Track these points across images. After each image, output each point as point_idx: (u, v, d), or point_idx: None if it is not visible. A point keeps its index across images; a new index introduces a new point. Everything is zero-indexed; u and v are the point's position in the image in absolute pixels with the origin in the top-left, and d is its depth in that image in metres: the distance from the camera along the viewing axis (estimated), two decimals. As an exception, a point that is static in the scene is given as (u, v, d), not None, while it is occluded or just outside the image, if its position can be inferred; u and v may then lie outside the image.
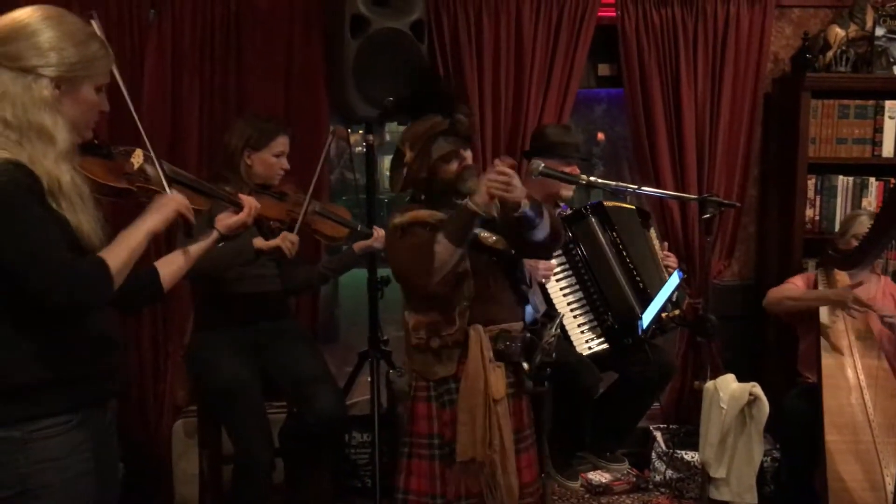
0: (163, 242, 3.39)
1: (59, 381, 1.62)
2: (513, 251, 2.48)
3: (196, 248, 1.98)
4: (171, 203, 1.83)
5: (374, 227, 3.18)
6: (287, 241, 2.82)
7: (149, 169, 2.02)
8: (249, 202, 2.13)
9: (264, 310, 2.98)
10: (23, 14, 1.63)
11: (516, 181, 2.22)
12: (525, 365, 2.41)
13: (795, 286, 3.34)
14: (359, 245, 3.17)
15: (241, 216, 2.10)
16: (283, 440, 3.06)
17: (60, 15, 1.66)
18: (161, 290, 1.85)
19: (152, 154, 1.98)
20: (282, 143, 2.99)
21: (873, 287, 3.30)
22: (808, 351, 3.27)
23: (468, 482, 2.40)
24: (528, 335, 2.45)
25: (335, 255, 3.42)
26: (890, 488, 2.73)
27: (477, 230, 2.37)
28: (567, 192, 3.23)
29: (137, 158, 2.03)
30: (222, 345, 2.90)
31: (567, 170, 3.13)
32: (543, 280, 2.97)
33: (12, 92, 1.58)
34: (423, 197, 2.47)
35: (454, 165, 2.42)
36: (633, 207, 3.31)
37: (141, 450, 3.52)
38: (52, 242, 1.54)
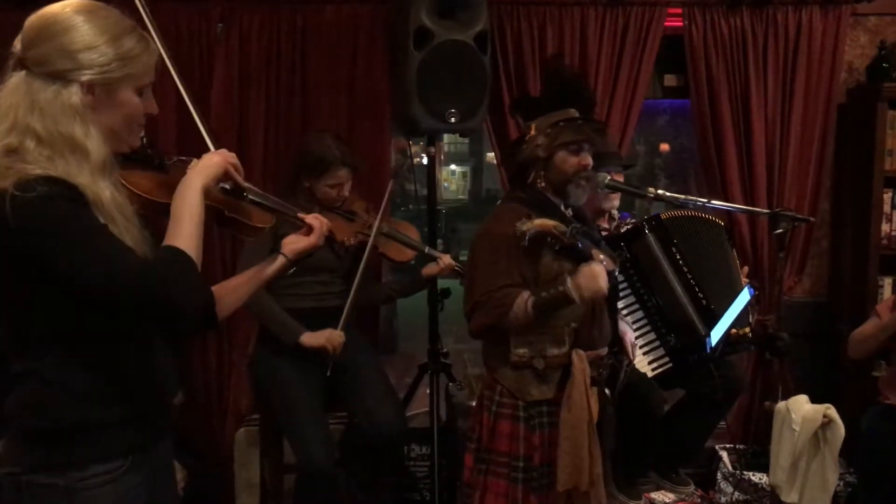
0: (228, 257, 3.46)
1: (110, 421, 1.46)
2: (617, 273, 2.41)
3: (265, 276, 1.78)
4: (215, 157, 1.59)
5: (442, 255, 3.16)
6: (333, 340, 2.87)
7: None
8: (319, 223, 1.88)
9: (327, 324, 2.98)
10: (53, 10, 1.45)
11: (603, 281, 2.18)
12: (608, 392, 2.38)
13: (877, 319, 3.18)
14: (427, 270, 3.17)
15: (311, 239, 1.84)
16: (343, 451, 3.07)
17: (94, 8, 1.47)
18: (214, 320, 1.56)
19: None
20: (339, 175, 2.95)
21: None
22: (893, 371, 3.13)
23: None
24: (612, 361, 2.41)
25: (401, 274, 3.42)
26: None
27: (590, 249, 2.31)
28: (609, 203, 3.14)
29: None
30: (285, 355, 2.92)
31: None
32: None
33: (42, 101, 1.41)
34: (523, 195, 2.40)
35: (574, 159, 2.35)
36: (709, 217, 3.21)
37: (203, 457, 3.56)
38: (119, 245, 1.38)
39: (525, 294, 2.25)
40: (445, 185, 13.07)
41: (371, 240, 2.89)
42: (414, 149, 5.11)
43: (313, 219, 1.86)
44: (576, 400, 2.28)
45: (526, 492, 2.34)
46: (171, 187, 1.61)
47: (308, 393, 2.88)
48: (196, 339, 3.51)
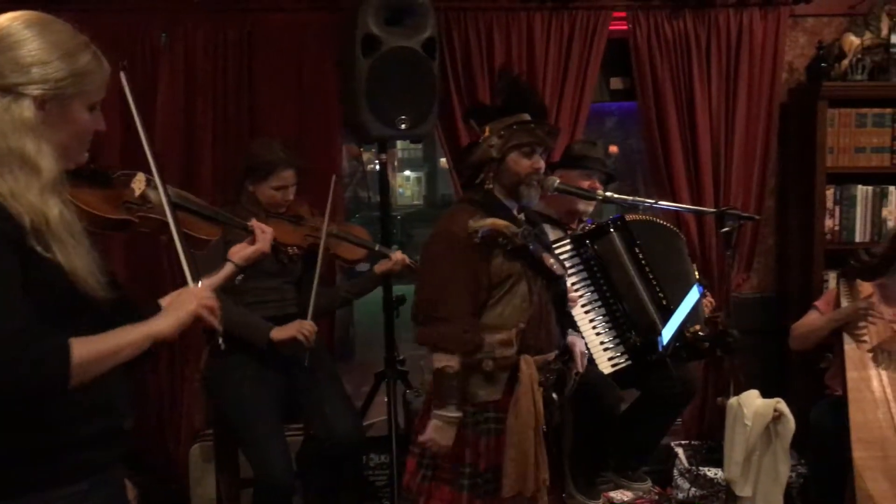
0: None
1: (68, 444, 1.42)
2: (572, 273, 2.45)
3: (209, 284, 1.76)
4: (190, 303, 1.52)
5: (394, 251, 3.15)
6: (304, 329, 2.82)
7: (152, 195, 1.77)
8: (264, 230, 1.95)
9: None
10: (2, 23, 1.41)
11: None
12: (555, 396, 2.40)
13: (818, 312, 3.27)
14: (380, 267, 3.15)
15: (258, 246, 1.91)
16: (300, 463, 3.03)
17: (46, 22, 1.43)
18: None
19: (156, 178, 1.70)
20: (284, 177, 2.92)
21: None
22: (838, 364, 3.21)
23: None
24: (561, 366, 2.43)
25: (354, 277, 3.40)
26: (921, 505, 2.67)
27: (540, 252, 2.35)
28: (585, 207, 3.20)
29: (139, 184, 1.78)
30: (239, 368, 2.88)
31: (586, 184, 3.11)
32: (570, 310, 2.95)
33: None
34: (475, 197, 2.42)
35: (526, 162, 2.37)
36: (656, 219, 3.27)
37: (158, 474, 3.50)
38: (6, 305, 1.29)
39: (452, 361, 2.29)
40: (401, 190, 13.06)
41: (322, 241, 2.87)
42: (367, 155, 5.12)
43: (260, 225, 1.91)
44: (523, 406, 2.30)
45: (471, 498, 2.34)
46: (116, 201, 1.61)
47: (263, 405, 2.85)
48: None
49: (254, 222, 1.95)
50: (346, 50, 3.29)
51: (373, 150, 3.89)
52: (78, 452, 1.44)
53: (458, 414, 2.30)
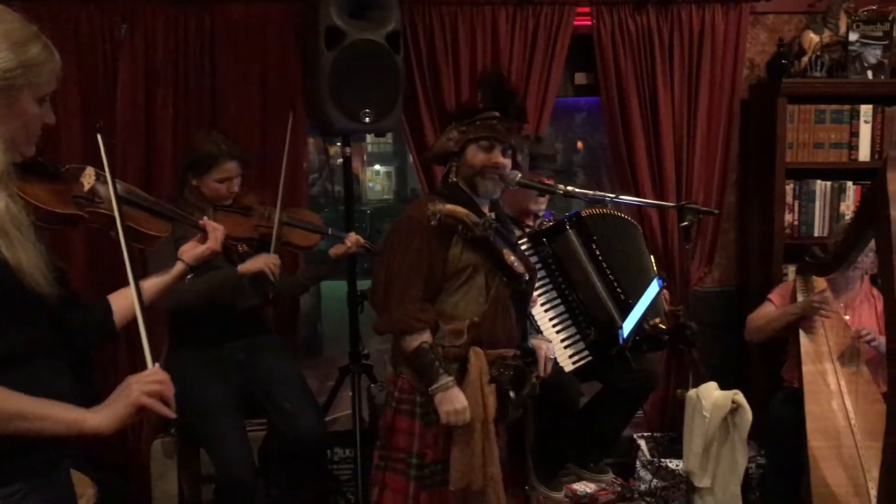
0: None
1: (5, 447, 1.38)
2: (528, 277, 2.46)
3: (156, 283, 1.76)
4: (129, 394, 1.41)
5: (348, 234, 3.15)
6: (270, 262, 2.79)
7: (101, 190, 1.73)
8: (214, 229, 1.91)
9: (240, 326, 2.94)
10: None
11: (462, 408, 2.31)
12: (512, 394, 2.40)
13: (772, 305, 3.33)
14: (335, 251, 3.14)
15: (209, 245, 1.88)
16: (263, 459, 3.02)
17: None
18: (113, 330, 1.53)
19: (106, 172, 1.68)
20: (227, 169, 2.88)
21: (857, 290, 3.29)
22: (794, 357, 3.26)
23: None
24: (521, 364, 2.44)
25: (312, 262, 3.38)
26: (873, 493, 2.72)
27: (502, 247, 2.37)
28: (536, 206, 3.21)
29: (88, 178, 1.73)
30: (199, 363, 2.86)
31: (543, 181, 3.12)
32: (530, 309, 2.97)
33: None
34: (443, 190, 2.45)
35: (483, 156, 2.39)
36: (614, 212, 3.29)
37: (119, 472, 3.46)
38: None
39: (425, 335, 2.31)
40: (370, 185, 12.98)
41: (275, 229, 2.85)
42: (335, 150, 5.09)
43: (210, 223, 1.88)
44: (470, 398, 2.31)
45: (417, 489, 2.37)
46: (65, 196, 1.57)
47: (224, 399, 2.83)
48: (105, 351, 3.40)
49: (206, 221, 1.92)
50: (310, 42, 3.27)
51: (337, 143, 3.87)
52: (10, 458, 1.40)
53: (450, 377, 2.30)
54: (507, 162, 2.45)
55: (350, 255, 3.20)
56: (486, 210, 2.45)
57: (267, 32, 3.51)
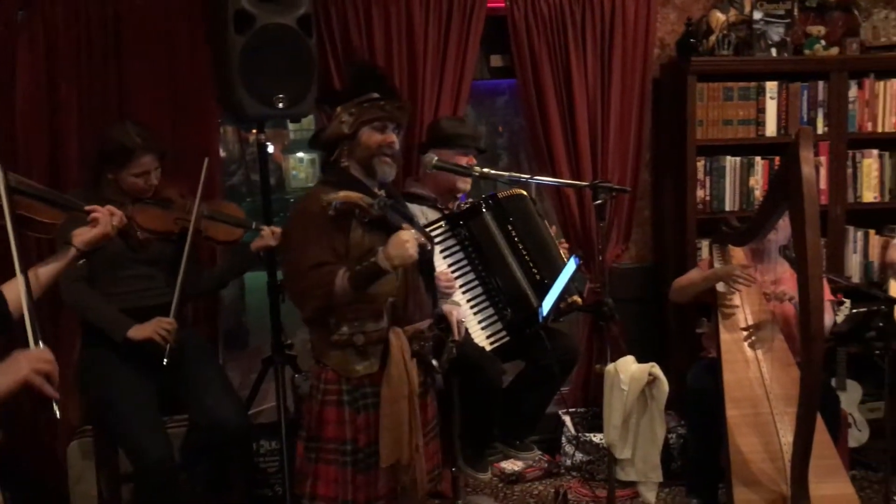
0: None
1: None
2: (429, 247, 2.49)
3: (49, 270, 1.76)
4: (20, 369, 1.43)
5: (265, 226, 3.10)
6: (160, 328, 2.73)
7: None
8: (103, 214, 1.92)
9: None
10: None
11: (412, 248, 2.26)
12: (434, 362, 2.46)
13: (698, 270, 3.42)
14: (256, 244, 3.09)
15: (98, 230, 1.90)
16: (185, 454, 2.95)
17: None
18: (9, 319, 1.52)
19: None
20: (144, 163, 2.81)
21: (775, 261, 3.38)
22: (713, 327, 3.36)
23: (380, 485, 2.39)
24: (437, 332, 2.49)
25: (234, 254, 3.31)
26: (787, 457, 2.81)
27: (399, 223, 2.37)
28: (464, 184, 3.22)
29: None
30: (111, 359, 2.79)
31: (464, 161, 3.14)
32: (447, 292, 2.97)
33: None
34: (332, 178, 2.44)
35: (378, 136, 2.42)
36: (524, 193, 3.32)
37: (35, 475, 3.34)
38: None
39: (342, 270, 2.29)
40: (294, 172, 12.79)
41: (192, 224, 2.78)
42: (252, 137, 4.99)
43: (99, 210, 1.88)
44: (394, 375, 2.34)
45: (354, 474, 2.38)
46: None
47: (140, 395, 2.76)
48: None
49: (96, 207, 1.91)
50: (218, 27, 3.18)
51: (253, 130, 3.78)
52: None
53: (380, 253, 2.27)
54: (397, 141, 2.49)
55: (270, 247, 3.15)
56: (376, 191, 2.47)
57: (173, 17, 3.42)
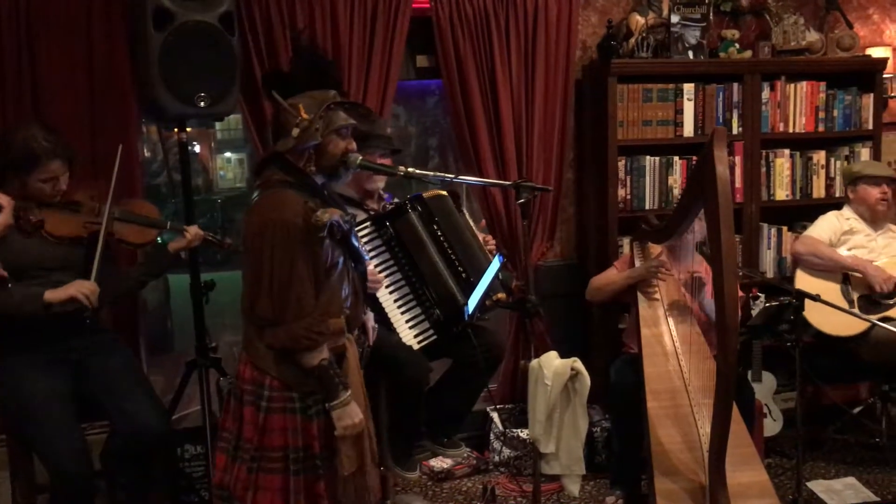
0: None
1: None
2: (367, 257, 2.51)
3: None
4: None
5: (188, 227, 3.03)
6: (83, 289, 2.59)
7: None
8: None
9: (72, 327, 2.75)
10: None
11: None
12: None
13: (615, 270, 3.51)
14: (175, 245, 3.01)
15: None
16: (105, 461, 2.88)
17: None
18: None
19: None
20: (51, 168, 2.70)
21: (701, 262, 3.48)
22: (633, 323, 3.44)
23: (330, 493, 2.35)
24: (362, 339, 2.50)
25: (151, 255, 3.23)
26: (705, 447, 2.89)
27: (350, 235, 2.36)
28: (373, 184, 3.21)
29: None
30: (27, 366, 2.70)
31: (378, 161, 3.13)
32: (375, 291, 2.97)
33: None
34: (291, 180, 2.31)
35: (343, 143, 2.37)
36: (445, 193, 3.34)
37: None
38: None
39: (324, 353, 2.26)
40: (221, 173, 12.55)
41: (103, 227, 2.70)
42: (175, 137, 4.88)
43: None
44: (353, 384, 2.33)
45: (310, 480, 2.32)
46: None
47: (54, 401, 2.68)
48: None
49: None
50: (137, 24, 3.12)
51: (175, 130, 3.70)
52: None
53: (348, 392, 2.28)
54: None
55: (193, 248, 3.09)
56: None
57: (90, 14, 3.33)
